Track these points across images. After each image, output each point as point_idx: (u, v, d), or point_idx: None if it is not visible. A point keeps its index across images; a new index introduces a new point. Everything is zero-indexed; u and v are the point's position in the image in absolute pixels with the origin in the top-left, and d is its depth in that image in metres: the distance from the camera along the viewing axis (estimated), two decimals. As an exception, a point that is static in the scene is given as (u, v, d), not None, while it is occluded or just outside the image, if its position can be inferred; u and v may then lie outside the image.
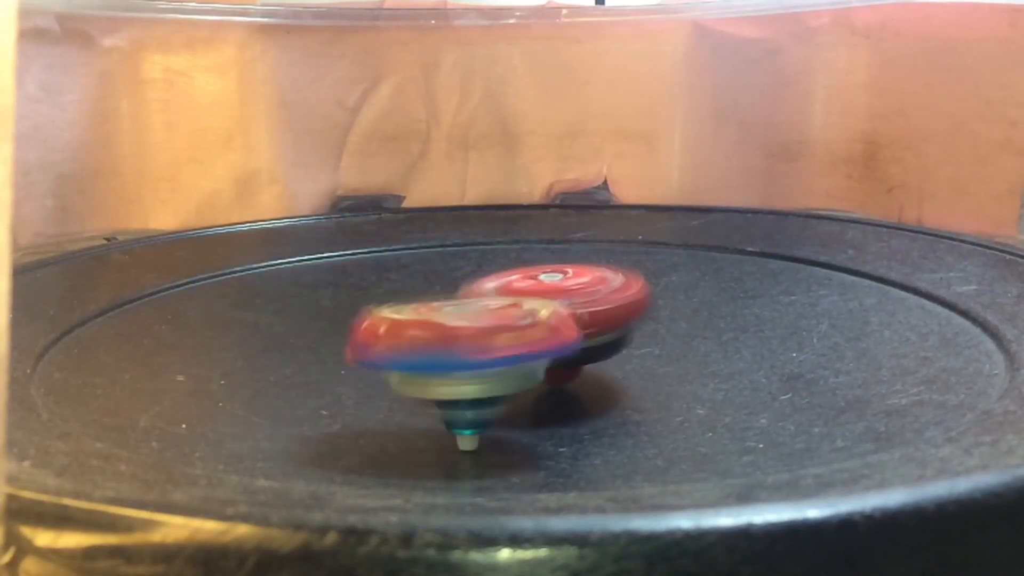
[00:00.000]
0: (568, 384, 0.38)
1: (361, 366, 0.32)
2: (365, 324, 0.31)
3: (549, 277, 0.38)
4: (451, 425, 0.32)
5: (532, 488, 0.30)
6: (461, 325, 0.31)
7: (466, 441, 0.33)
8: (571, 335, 0.31)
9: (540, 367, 0.32)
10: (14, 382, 0.32)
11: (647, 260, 0.54)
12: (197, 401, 0.37)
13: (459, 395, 0.31)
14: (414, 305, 0.32)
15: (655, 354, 0.40)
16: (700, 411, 0.35)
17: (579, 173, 0.69)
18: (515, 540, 0.22)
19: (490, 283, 0.39)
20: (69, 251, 0.58)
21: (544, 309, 0.32)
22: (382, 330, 0.31)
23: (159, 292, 0.48)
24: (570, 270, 0.39)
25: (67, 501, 0.25)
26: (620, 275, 0.38)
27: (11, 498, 0.25)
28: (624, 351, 0.38)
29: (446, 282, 0.49)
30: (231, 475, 0.30)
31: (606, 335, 0.36)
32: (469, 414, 0.32)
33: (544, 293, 0.37)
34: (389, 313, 0.31)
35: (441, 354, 0.30)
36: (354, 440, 0.34)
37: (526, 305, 0.32)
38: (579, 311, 0.34)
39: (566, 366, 0.36)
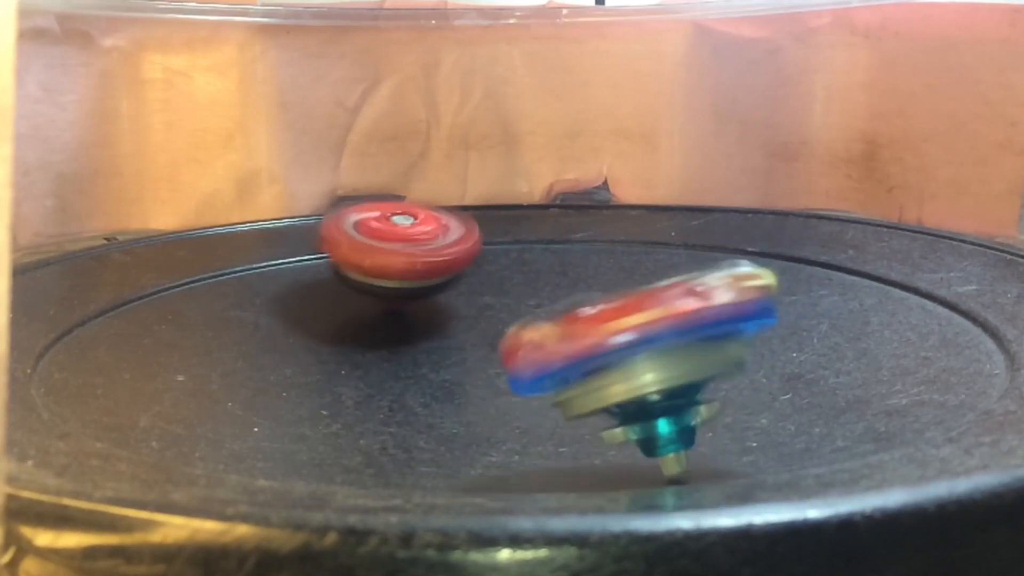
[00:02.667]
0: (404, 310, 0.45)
1: (524, 391, 0.27)
2: (513, 347, 0.27)
3: (401, 220, 0.43)
4: (649, 446, 0.27)
5: (532, 488, 0.30)
6: (622, 303, 0.25)
7: (671, 463, 0.27)
8: (751, 295, 0.26)
9: (739, 348, 0.26)
10: (14, 382, 0.32)
11: (647, 260, 0.54)
12: (197, 401, 0.37)
13: (643, 390, 0.25)
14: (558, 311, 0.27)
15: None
16: (700, 411, 0.35)
17: (579, 173, 0.69)
18: (515, 540, 0.22)
19: (351, 216, 0.43)
20: (69, 251, 0.58)
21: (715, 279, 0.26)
22: (515, 345, 0.26)
23: (159, 292, 0.48)
24: (421, 214, 0.44)
25: (67, 501, 0.25)
26: (462, 226, 0.44)
27: (11, 498, 0.25)
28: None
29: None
30: (231, 475, 0.30)
31: (439, 278, 0.43)
32: (666, 422, 0.26)
33: (394, 236, 0.42)
34: (532, 331, 0.26)
35: (607, 339, 0.25)
36: (354, 440, 0.34)
37: (691, 282, 0.26)
38: (418, 259, 0.41)
39: (404, 298, 0.43)
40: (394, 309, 0.45)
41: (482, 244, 0.45)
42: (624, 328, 0.25)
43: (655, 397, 0.26)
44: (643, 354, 0.25)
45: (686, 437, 0.27)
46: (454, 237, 0.43)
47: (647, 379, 0.25)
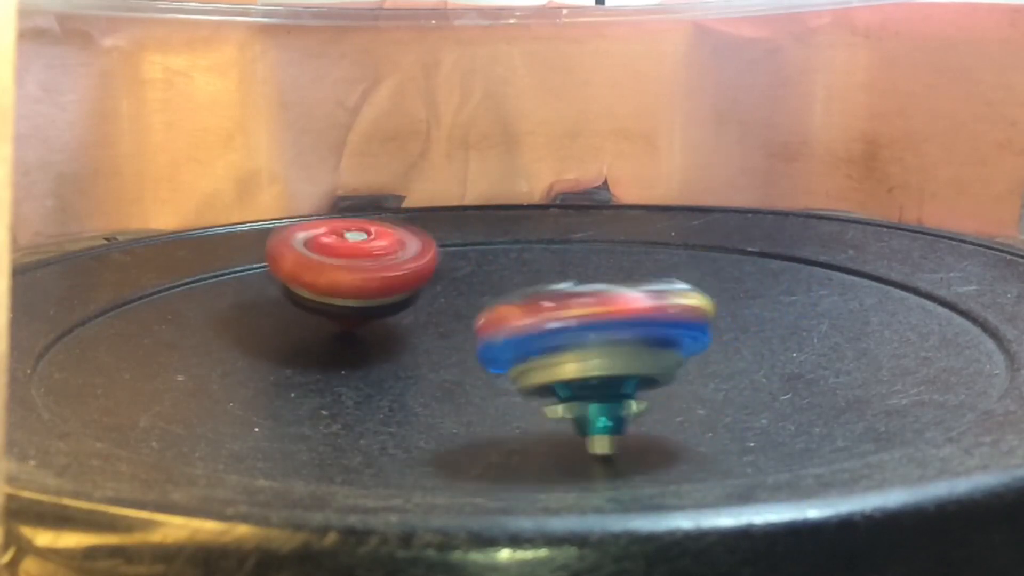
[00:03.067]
0: (355, 330, 0.42)
1: (483, 363, 0.30)
2: (481, 323, 0.30)
3: (354, 236, 0.40)
4: (581, 426, 0.30)
5: (532, 488, 0.30)
6: (560, 295, 0.29)
7: (601, 443, 0.30)
8: (694, 311, 0.29)
9: (668, 354, 0.29)
10: (14, 382, 0.32)
11: (647, 260, 0.54)
12: (197, 401, 0.37)
13: (582, 372, 0.28)
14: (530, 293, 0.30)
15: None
16: (700, 411, 0.35)
17: (579, 173, 0.69)
18: (515, 540, 0.22)
19: (299, 233, 0.41)
20: (69, 251, 0.58)
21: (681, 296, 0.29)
22: (488, 319, 0.30)
23: (159, 292, 0.48)
24: (373, 230, 0.41)
25: (67, 501, 0.25)
26: (418, 241, 0.42)
27: (11, 498, 0.25)
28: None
29: (446, 282, 0.49)
30: (231, 475, 0.30)
31: (394, 296, 0.41)
32: (598, 406, 0.29)
33: (346, 252, 0.40)
34: (499, 309, 0.30)
35: (557, 324, 0.28)
36: (354, 440, 0.34)
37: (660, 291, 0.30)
38: (372, 276, 0.39)
39: (358, 318, 0.41)
40: (348, 331, 0.43)
41: (437, 260, 0.42)
42: (573, 315, 0.28)
43: (594, 382, 0.29)
44: (590, 343, 0.28)
45: (615, 424, 0.30)
46: (411, 253, 0.41)
47: (589, 364, 0.29)
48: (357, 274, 0.40)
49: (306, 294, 0.40)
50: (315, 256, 0.40)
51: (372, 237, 0.41)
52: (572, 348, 0.29)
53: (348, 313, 0.41)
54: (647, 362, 0.29)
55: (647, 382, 0.30)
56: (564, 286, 0.30)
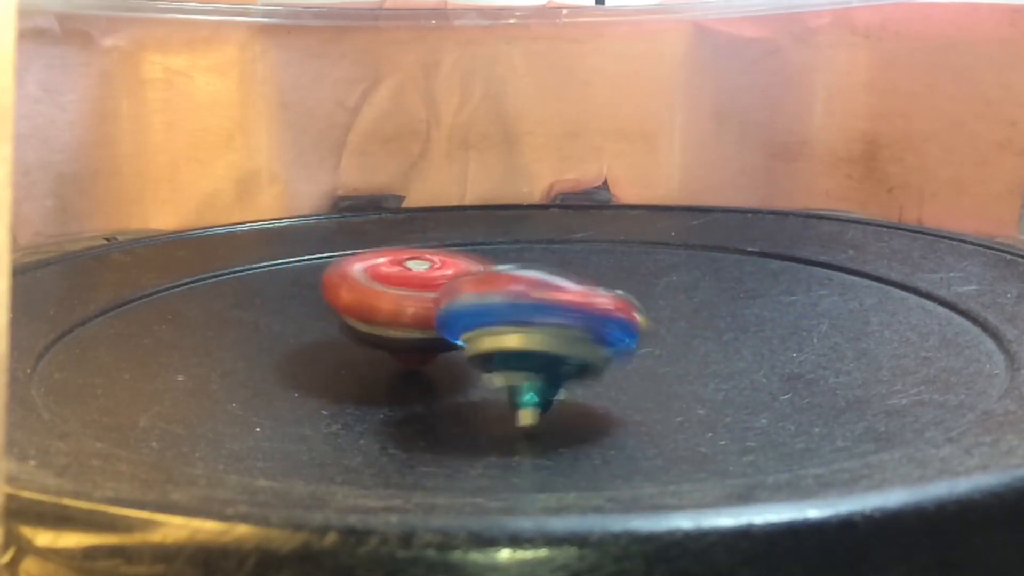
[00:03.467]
0: (421, 367, 0.40)
1: (439, 328, 0.33)
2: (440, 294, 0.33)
3: (416, 265, 0.39)
4: (512, 396, 0.32)
5: (532, 488, 0.30)
6: (516, 276, 0.32)
7: (527, 415, 0.32)
8: (631, 316, 0.32)
9: (601, 349, 0.32)
10: (14, 382, 0.32)
11: (647, 260, 0.54)
12: (197, 401, 0.37)
13: (525, 345, 0.31)
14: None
15: (655, 354, 0.40)
16: (700, 411, 0.35)
17: (579, 173, 0.69)
18: (515, 540, 0.22)
19: (358, 264, 0.38)
20: (69, 251, 0.58)
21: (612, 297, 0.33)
22: (446, 289, 0.33)
23: (159, 292, 0.48)
24: (437, 260, 0.39)
25: (67, 501, 0.25)
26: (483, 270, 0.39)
27: (11, 498, 0.25)
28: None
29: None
30: (231, 475, 0.30)
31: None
32: (528, 377, 0.32)
33: (409, 282, 0.38)
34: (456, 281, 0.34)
35: (499, 295, 0.32)
36: (354, 440, 0.34)
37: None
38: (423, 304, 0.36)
39: (423, 351, 0.38)
40: (412, 368, 0.39)
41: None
42: (524, 294, 0.32)
43: (532, 357, 0.32)
44: (534, 322, 0.31)
45: (544, 400, 0.32)
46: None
47: (531, 339, 0.31)
48: (422, 303, 0.36)
49: (364, 327, 0.37)
50: (376, 285, 0.37)
51: (436, 266, 0.38)
52: (517, 324, 0.31)
53: (410, 346, 0.37)
54: (581, 349, 0.32)
55: (578, 373, 0.33)
56: (508, 267, 0.33)
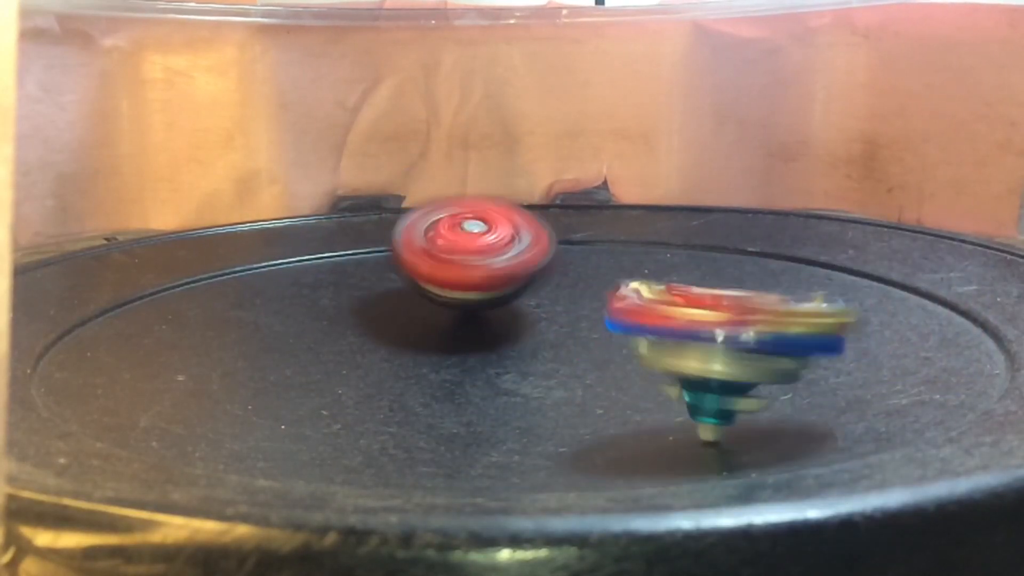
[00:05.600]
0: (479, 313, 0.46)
1: (619, 329, 0.32)
2: (625, 292, 0.32)
3: (471, 226, 0.44)
4: (695, 411, 0.31)
5: (532, 488, 0.30)
6: (723, 299, 0.31)
7: (708, 431, 0.31)
8: (835, 340, 0.31)
9: (798, 367, 0.31)
10: (14, 382, 0.32)
11: (647, 260, 0.54)
12: (197, 401, 0.37)
13: (709, 373, 0.30)
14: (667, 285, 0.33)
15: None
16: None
17: (579, 173, 0.69)
18: (515, 540, 0.22)
19: (420, 223, 0.44)
20: (69, 251, 0.58)
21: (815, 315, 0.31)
22: (640, 298, 0.32)
23: (159, 292, 0.48)
24: (490, 219, 0.44)
25: (67, 501, 0.25)
26: (531, 233, 0.45)
27: (11, 498, 0.25)
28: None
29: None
30: (231, 475, 0.30)
31: (515, 286, 0.44)
32: (716, 400, 0.31)
33: (466, 248, 0.43)
34: (645, 288, 0.32)
35: (700, 326, 0.30)
36: (354, 440, 0.34)
37: (794, 305, 0.32)
38: (496, 272, 0.43)
39: (480, 309, 0.45)
40: (470, 318, 0.47)
41: (554, 242, 0.45)
42: (714, 322, 0.30)
43: (717, 381, 0.31)
44: (716, 347, 0.30)
45: (725, 415, 0.31)
46: (526, 243, 0.44)
47: (715, 368, 0.30)
48: (481, 271, 0.43)
49: (435, 290, 0.44)
50: (443, 256, 0.43)
51: (490, 230, 0.44)
52: (699, 346, 0.30)
53: (474, 305, 0.45)
54: (766, 372, 0.30)
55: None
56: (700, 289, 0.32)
